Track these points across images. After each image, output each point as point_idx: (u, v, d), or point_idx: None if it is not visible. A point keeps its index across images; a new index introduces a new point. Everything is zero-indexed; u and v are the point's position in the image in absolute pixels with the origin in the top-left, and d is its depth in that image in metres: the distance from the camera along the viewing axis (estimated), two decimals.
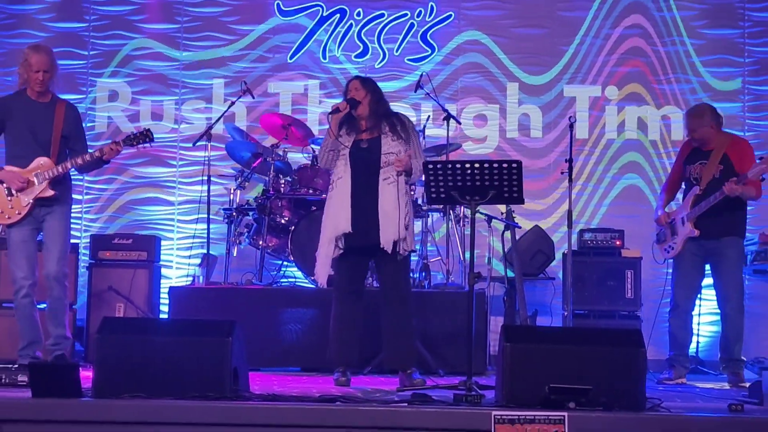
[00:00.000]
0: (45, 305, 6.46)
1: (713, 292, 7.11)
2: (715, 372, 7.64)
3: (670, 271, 7.18)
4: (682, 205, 7.01)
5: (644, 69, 9.41)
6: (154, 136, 6.68)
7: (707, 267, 7.04)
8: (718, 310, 7.05)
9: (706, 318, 8.24)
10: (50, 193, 6.31)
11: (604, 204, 9.34)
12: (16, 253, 6.36)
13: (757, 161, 6.77)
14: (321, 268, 6.17)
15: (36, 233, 6.40)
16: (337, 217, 6.10)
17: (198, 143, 8.43)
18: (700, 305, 7.64)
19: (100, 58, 9.62)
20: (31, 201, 6.30)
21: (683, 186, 7.17)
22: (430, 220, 8.33)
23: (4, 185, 6.31)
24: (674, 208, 7.18)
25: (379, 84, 9.23)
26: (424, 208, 7.96)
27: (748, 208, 8.56)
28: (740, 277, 7.01)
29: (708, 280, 7.15)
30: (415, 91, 8.42)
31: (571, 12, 9.52)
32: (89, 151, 6.51)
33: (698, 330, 8.12)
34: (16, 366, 6.14)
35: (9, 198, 6.30)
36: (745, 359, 7.01)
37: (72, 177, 6.66)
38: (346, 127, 6.26)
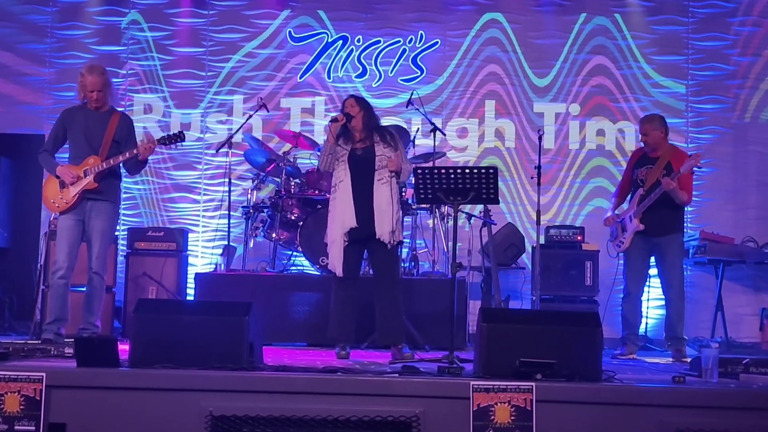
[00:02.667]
0: (84, 289, 6.46)
1: (659, 280, 7.13)
2: (661, 349, 7.66)
3: (622, 263, 7.20)
4: (630, 205, 7.03)
5: (603, 89, 9.42)
6: (183, 144, 6.70)
7: (652, 259, 7.06)
8: (663, 296, 7.06)
9: (653, 303, 8.26)
10: (94, 185, 6.30)
11: (574, 204, 9.34)
12: (61, 238, 6.37)
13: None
14: (337, 260, 6.16)
15: (81, 224, 6.37)
16: (343, 215, 6.13)
17: (220, 150, 8.43)
18: (648, 292, 7.66)
19: (137, 76, 9.61)
20: (78, 192, 6.30)
21: (632, 190, 7.17)
22: (418, 217, 8.33)
23: (60, 179, 6.33)
24: (625, 208, 7.19)
25: (376, 101, 9.34)
26: (414, 206, 7.96)
27: (690, 208, 8.62)
28: (681, 268, 7.03)
29: (654, 270, 7.17)
30: (407, 107, 8.41)
31: (543, 40, 9.53)
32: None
33: (647, 313, 8.14)
34: (42, 339, 6.17)
35: (61, 190, 6.32)
36: (686, 338, 7.02)
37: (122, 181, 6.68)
38: (343, 138, 6.31)
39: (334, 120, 6.28)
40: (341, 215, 6.15)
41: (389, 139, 6.30)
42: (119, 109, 6.90)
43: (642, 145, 7.14)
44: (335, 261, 6.18)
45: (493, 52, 9.53)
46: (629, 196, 7.18)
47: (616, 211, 7.20)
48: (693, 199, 8.22)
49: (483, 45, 9.55)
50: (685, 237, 8.40)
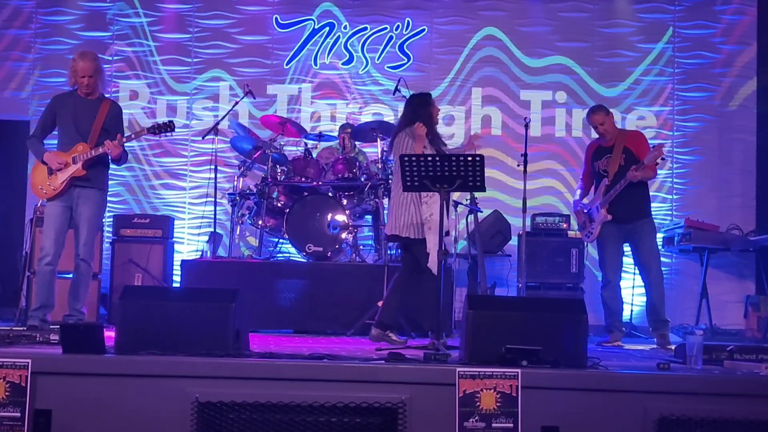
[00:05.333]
0: (71, 275, 6.43)
1: (636, 266, 7.15)
2: (646, 336, 7.69)
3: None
4: (596, 196, 7.04)
5: (590, 76, 9.43)
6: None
7: (626, 246, 7.08)
8: (642, 281, 7.07)
9: (639, 290, 8.28)
10: (83, 172, 6.27)
11: (554, 192, 9.37)
12: (48, 224, 6.33)
13: (651, 148, 6.83)
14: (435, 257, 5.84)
15: (68, 210, 6.34)
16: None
17: (206, 137, 8.41)
18: (633, 279, 7.68)
19: (122, 62, 9.57)
20: (66, 179, 6.27)
21: (595, 181, 7.17)
22: None
23: (47, 166, 6.29)
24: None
25: (363, 88, 9.34)
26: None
27: (675, 196, 8.65)
28: (657, 250, 7.04)
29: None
30: (393, 94, 8.40)
31: (528, 27, 9.54)
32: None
33: (632, 300, 8.18)
34: (27, 326, 6.15)
35: (49, 176, 6.29)
36: (669, 320, 7.02)
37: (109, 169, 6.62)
38: (430, 137, 6.24)
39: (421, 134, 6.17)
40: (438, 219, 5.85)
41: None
42: (107, 95, 6.85)
43: (595, 137, 7.18)
44: (434, 258, 5.87)
45: (479, 40, 9.54)
46: (594, 186, 7.18)
47: (584, 201, 7.22)
48: (678, 186, 8.29)
49: (470, 32, 9.56)
50: (670, 225, 8.48)
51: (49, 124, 6.47)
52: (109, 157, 6.41)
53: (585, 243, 7.28)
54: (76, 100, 6.40)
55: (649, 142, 7.06)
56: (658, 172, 7.37)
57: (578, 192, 7.35)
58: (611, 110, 7.14)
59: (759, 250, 8.59)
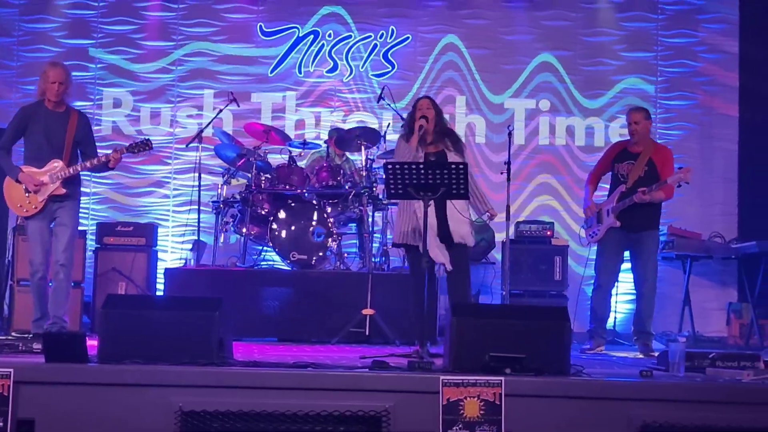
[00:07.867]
0: (51, 284, 6.42)
1: (629, 275, 7.17)
2: (629, 343, 7.70)
3: (592, 257, 7.24)
4: (609, 199, 7.03)
5: (574, 84, 9.47)
6: (153, 138, 6.74)
7: (626, 254, 7.09)
8: (634, 291, 7.10)
9: (622, 297, 8.33)
10: (62, 191, 6.29)
11: (536, 200, 9.40)
12: (33, 241, 6.37)
13: (677, 169, 6.82)
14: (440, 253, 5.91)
15: (50, 224, 6.38)
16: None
17: (190, 145, 8.39)
18: (617, 286, 7.71)
19: (105, 70, 9.55)
20: (45, 198, 6.28)
21: (610, 181, 7.18)
22: (389, 213, 8.33)
23: (23, 185, 6.29)
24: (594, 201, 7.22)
25: (347, 96, 9.35)
26: (384, 202, 7.96)
27: None
28: (655, 263, 7.04)
29: (626, 264, 7.20)
30: (378, 102, 8.42)
31: (512, 36, 9.58)
32: (98, 155, 6.47)
33: (615, 307, 8.20)
34: (31, 335, 6.14)
35: (27, 194, 6.29)
36: (654, 333, 7.06)
37: (81, 174, 6.59)
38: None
39: (420, 128, 6.01)
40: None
41: (460, 147, 6.12)
42: (75, 106, 6.79)
43: (623, 139, 7.16)
44: (439, 254, 5.90)
45: (465, 48, 9.56)
46: (609, 188, 7.16)
47: (593, 200, 7.20)
48: None
49: (454, 40, 9.58)
50: None
51: (19, 136, 6.45)
52: (88, 165, 6.41)
53: (587, 243, 7.23)
54: (45, 113, 6.39)
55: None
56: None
57: (586, 188, 7.30)
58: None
59: (741, 257, 8.64)
